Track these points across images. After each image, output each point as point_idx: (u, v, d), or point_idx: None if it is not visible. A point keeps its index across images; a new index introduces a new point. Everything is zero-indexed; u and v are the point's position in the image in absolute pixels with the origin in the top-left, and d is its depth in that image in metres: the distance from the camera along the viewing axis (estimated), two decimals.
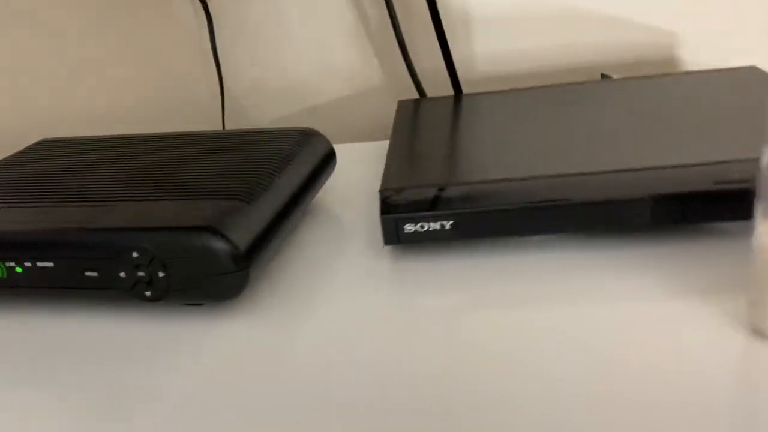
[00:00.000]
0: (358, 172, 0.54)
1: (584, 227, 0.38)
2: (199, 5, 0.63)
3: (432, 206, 0.39)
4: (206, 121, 0.68)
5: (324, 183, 0.48)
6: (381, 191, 0.40)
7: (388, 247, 0.42)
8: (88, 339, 0.37)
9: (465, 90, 0.62)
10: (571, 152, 0.42)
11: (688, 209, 0.37)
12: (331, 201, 0.50)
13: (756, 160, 0.38)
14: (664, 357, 0.30)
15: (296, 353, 0.33)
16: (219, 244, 0.34)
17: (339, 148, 0.60)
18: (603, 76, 0.62)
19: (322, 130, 0.67)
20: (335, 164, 0.49)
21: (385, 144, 0.60)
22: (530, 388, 0.29)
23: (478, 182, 0.40)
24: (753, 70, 0.54)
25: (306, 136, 0.47)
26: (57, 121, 0.70)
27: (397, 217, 0.39)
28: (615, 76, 0.61)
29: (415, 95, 0.64)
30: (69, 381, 0.33)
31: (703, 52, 0.62)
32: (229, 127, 0.68)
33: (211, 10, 0.63)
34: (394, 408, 0.29)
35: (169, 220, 0.36)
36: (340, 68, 0.65)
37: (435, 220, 0.39)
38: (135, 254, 0.35)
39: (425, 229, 0.39)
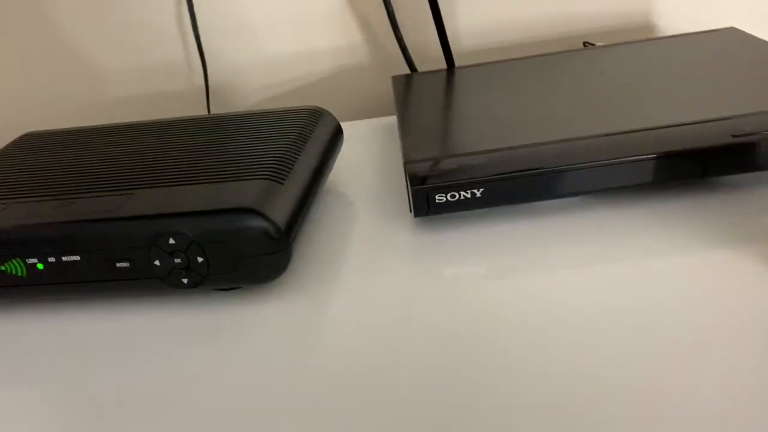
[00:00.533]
0: (359, 149, 0.54)
1: (612, 185, 0.39)
2: None
3: (462, 175, 0.39)
4: (188, 107, 0.66)
5: (336, 161, 0.48)
6: (406, 163, 0.40)
7: (410, 218, 0.42)
8: (128, 332, 0.35)
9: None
10: (583, 116, 0.43)
11: (708, 163, 0.39)
12: (341, 178, 0.49)
13: (764, 113, 0.39)
14: (710, 304, 0.31)
15: (339, 329, 0.33)
16: (262, 224, 0.34)
17: None
18: (585, 44, 0.64)
19: None
20: (342, 142, 0.49)
21: (378, 121, 0.60)
22: (575, 351, 0.30)
23: (504, 149, 0.40)
24: (732, 30, 0.56)
25: (316, 115, 0.47)
26: (29, 113, 0.66)
27: (428, 187, 0.39)
28: (598, 44, 0.63)
29: (403, 70, 0.64)
30: (124, 378, 0.32)
31: (678, 17, 0.64)
32: (215, 112, 0.66)
33: None
34: (430, 380, 0.29)
35: (206, 204, 0.35)
36: (326, 45, 0.64)
37: (466, 189, 0.39)
38: (172, 240, 0.34)
39: (456, 198, 0.39)
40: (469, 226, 0.40)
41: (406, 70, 0.63)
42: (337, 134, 0.47)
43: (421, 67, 0.64)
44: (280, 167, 0.39)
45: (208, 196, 0.35)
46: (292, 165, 0.40)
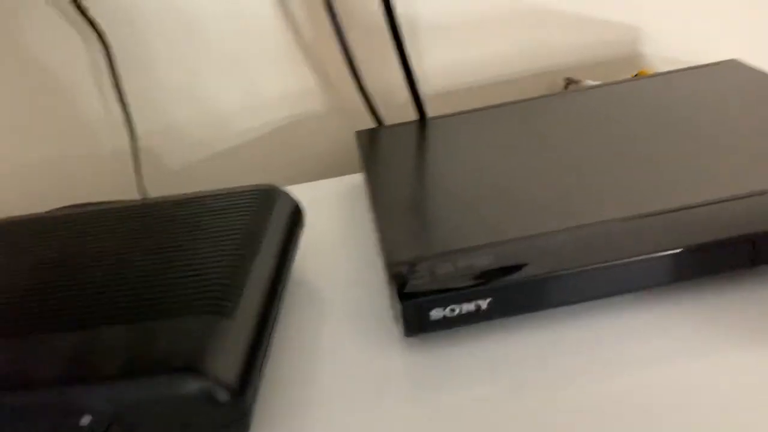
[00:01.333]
0: (323, 220, 0.45)
1: (649, 284, 0.32)
2: (91, 34, 0.50)
3: (463, 282, 0.31)
4: (115, 178, 0.56)
5: (296, 251, 0.39)
6: (390, 266, 0.32)
7: (396, 330, 0.34)
8: None
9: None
10: (596, 187, 0.36)
11: (759, 249, 0.32)
12: (305, 263, 0.41)
13: None
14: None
15: None
16: (206, 387, 0.25)
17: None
18: (568, 80, 0.57)
19: (260, 173, 0.57)
20: (304, 225, 0.40)
21: (338, 181, 0.51)
22: None
23: (510, 241, 0.32)
24: (734, 63, 0.50)
25: (268, 199, 0.38)
26: None
27: (422, 301, 0.30)
28: (582, 81, 0.56)
29: (366, 119, 0.55)
30: None
31: (667, 46, 0.58)
32: (147, 181, 0.56)
33: (106, 39, 0.51)
34: None
35: (127, 363, 0.25)
36: (275, 97, 0.55)
37: (469, 300, 0.31)
38: (85, 420, 0.25)
39: (455, 312, 0.31)
40: (471, 336, 0.32)
41: (369, 120, 0.54)
42: (296, 220, 0.38)
43: (386, 112, 0.55)
44: (227, 290, 0.30)
45: (131, 349, 0.26)
46: (243, 283, 0.31)
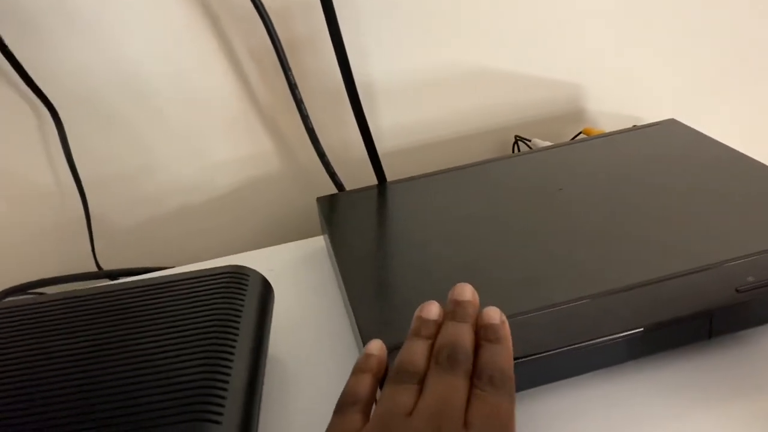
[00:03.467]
0: (287, 289, 0.45)
1: (613, 362, 0.34)
2: (40, 108, 0.49)
3: None
4: (71, 253, 0.54)
5: (270, 330, 0.39)
6: None
7: None
8: None
9: None
10: (557, 261, 0.37)
11: (714, 325, 0.34)
12: (276, 341, 0.40)
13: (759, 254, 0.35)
14: None
15: None
16: None
17: (248, 258, 0.50)
18: (518, 138, 0.59)
19: (216, 241, 0.57)
20: (274, 302, 0.40)
21: (301, 245, 0.51)
22: None
23: None
24: (673, 123, 0.53)
25: (238, 280, 0.38)
26: None
27: None
28: (531, 139, 0.58)
29: (323, 184, 0.55)
30: None
31: (608, 101, 0.61)
32: (102, 259, 0.54)
33: (58, 111, 0.50)
34: None
35: None
36: (232, 163, 0.55)
37: None
38: None
39: None
40: None
41: (329, 182, 0.55)
42: (267, 300, 0.38)
43: (346, 169, 0.55)
44: (211, 392, 0.29)
45: None
46: (227, 382, 0.30)
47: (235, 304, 0.36)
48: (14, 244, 0.53)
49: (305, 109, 0.49)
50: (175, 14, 0.48)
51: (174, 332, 0.33)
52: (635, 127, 0.54)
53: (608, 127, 0.61)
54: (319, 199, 0.49)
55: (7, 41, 0.46)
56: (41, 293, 0.52)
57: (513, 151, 0.60)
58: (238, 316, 0.35)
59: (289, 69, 0.47)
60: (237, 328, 0.34)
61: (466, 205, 0.45)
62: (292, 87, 0.47)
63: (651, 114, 0.61)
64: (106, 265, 0.54)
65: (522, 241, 0.40)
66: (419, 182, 0.50)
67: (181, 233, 0.56)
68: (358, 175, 0.54)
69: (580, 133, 0.58)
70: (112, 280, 0.52)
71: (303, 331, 0.41)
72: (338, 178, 0.52)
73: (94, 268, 0.54)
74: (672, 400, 0.32)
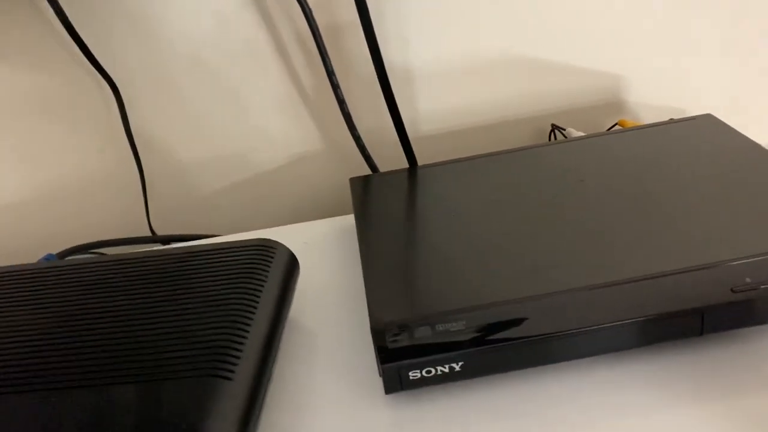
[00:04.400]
0: (316, 264, 0.49)
1: (609, 350, 0.35)
2: (101, 81, 0.54)
3: (438, 348, 0.34)
4: (128, 219, 0.59)
5: (292, 302, 0.42)
6: (373, 329, 0.35)
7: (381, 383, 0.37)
8: None
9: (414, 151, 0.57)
10: (565, 252, 0.39)
11: (706, 321, 0.35)
12: (302, 311, 0.44)
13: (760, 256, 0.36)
14: None
15: None
16: None
17: (286, 231, 0.54)
18: (554, 127, 0.60)
19: (258, 214, 0.61)
20: (299, 275, 0.44)
21: (333, 222, 0.55)
22: None
23: (483, 306, 0.35)
24: (709, 119, 0.53)
25: (265, 253, 0.41)
26: None
27: (401, 365, 0.34)
28: (566, 129, 0.59)
29: (359, 164, 0.58)
30: None
31: (647, 94, 0.61)
32: (155, 223, 0.59)
33: (118, 85, 0.54)
34: None
35: (135, 425, 0.29)
36: (275, 142, 0.58)
37: (443, 363, 0.34)
38: None
39: (432, 373, 0.34)
40: (455, 391, 0.36)
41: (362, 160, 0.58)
42: (292, 273, 0.42)
43: (381, 151, 0.58)
44: (227, 353, 0.33)
45: (137, 410, 0.30)
46: (242, 344, 0.34)
47: (260, 275, 0.39)
48: (80, 209, 0.59)
49: (341, 94, 0.51)
50: None
51: (201, 297, 0.37)
52: (671, 121, 0.54)
53: (648, 119, 0.61)
54: (352, 180, 0.52)
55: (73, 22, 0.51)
56: (101, 253, 0.57)
57: (549, 140, 0.61)
58: (261, 286, 0.38)
59: (326, 54, 0.50)
60: (258, 297, 0.37)
61: (490, 191, 0.47)
62: (329, 73, 0.50)
63: (694, 108, 0.61)
64: (160, 231, 0.59)
65: (531, 231, 0.42)
66: (449, 167, 0.52)
67: (228, 204, 0.60)
68: (396, 158, 0.57)
69: (615, 124, 0.58)
70: (164, 244, 0.57)
71: (326, 303, 0.45)
72: (373, 161, 0.54)
73: (149, 233, 0.59)
74: (659, 393, 0.34)
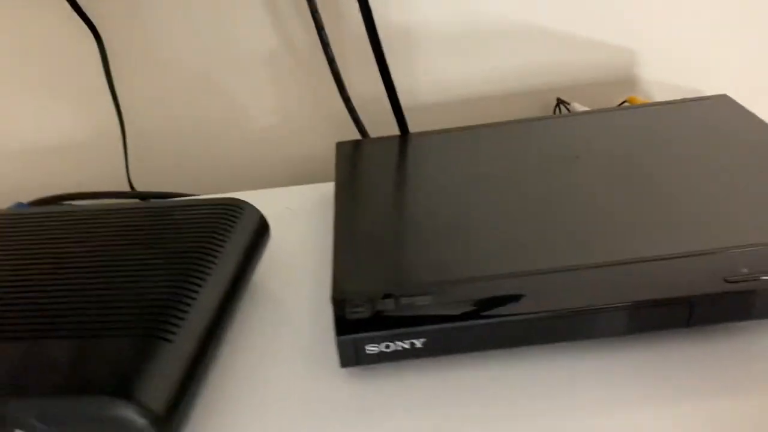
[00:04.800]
0: (290, 228, 0.46)
1: (583, 336, 0.33)
2: (84, 29, 0.51)
3: (399, 322, 0.32)
4: (107, 173, 0.57)
5: (257, 266, 0.40)
6: (334, 298, 0.33)
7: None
8: None
9: (410, 120, 0.54)
10: (549, 228, 0.36)
11: (695, 311, 0.32)
12: (269, 276, 0.42)
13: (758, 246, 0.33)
14: None
15: None
16: (133, 416, 0.26)
17: (266, 194, 0.52)
18: (559, 101, 0.56)
19: (241, 176, 0.58)
20: (269, 239, 0.41)
21: (317, 188, 0.52)
22: None
23: (450, 282, 0.33)
24: (725, 100, 0.49)
25: (232, 212, 0.39)
26: None
27: (357, 337, 0.31)
28: (571, 103, 0.56)
29: (351, 128, 0.56)
30: None
31: (660, 70, 0.57)
32: (137, 180, 0.57)
33: (101, 35, 0.52)
34: None
35: (60, 381, 0.27)
36: (261, 102, 0.56)
37: (404, 339, 0.32)
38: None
39: (391, 349, 0.32)
40: (411, 368, 0.33)
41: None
42: (260, 236, 0.40)
43: (375, 119, 0.55)
44: (170, 313, 0.31)
45: (66, 365, 0.28)
46: (189, 305, 0.32)
47: (222, 234, 0.37)
48: (59, 160, 0.57)
49: (331, 53, 0.48)
50: None
51: (159, 254, 0.35)
52: (683, 100, 0.50)
53: (660, 97, 0.58)
54: (338, 144, 0.50)
55: None
56: (72, 204, 0.55)
57: (554, 114, 0.57)
58: (221, 246, 0.36)
59: (317, 11, 0.47)
60: (215, 257, 0.35)
61: (480, 163, 0.44)
62: (319, 30, 0.47)
63: (709, 88, 0.57)
64: (140, 187, 0.57)
65: (518, 207, 0.39)
66: (441, 136, 0.49)
67: (213, 164, 0.58)
68: (388, 126, 0.54)
69: (625, 101, 0.55)
70: (143, 200, 0.55)
71: (298, 270, 0.42)
72: (362, 125, 0.52)
73: (128, 188, 0.56)
74: (644, 384, 0.31)
